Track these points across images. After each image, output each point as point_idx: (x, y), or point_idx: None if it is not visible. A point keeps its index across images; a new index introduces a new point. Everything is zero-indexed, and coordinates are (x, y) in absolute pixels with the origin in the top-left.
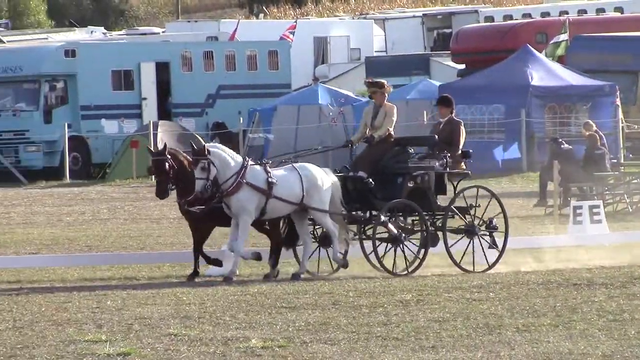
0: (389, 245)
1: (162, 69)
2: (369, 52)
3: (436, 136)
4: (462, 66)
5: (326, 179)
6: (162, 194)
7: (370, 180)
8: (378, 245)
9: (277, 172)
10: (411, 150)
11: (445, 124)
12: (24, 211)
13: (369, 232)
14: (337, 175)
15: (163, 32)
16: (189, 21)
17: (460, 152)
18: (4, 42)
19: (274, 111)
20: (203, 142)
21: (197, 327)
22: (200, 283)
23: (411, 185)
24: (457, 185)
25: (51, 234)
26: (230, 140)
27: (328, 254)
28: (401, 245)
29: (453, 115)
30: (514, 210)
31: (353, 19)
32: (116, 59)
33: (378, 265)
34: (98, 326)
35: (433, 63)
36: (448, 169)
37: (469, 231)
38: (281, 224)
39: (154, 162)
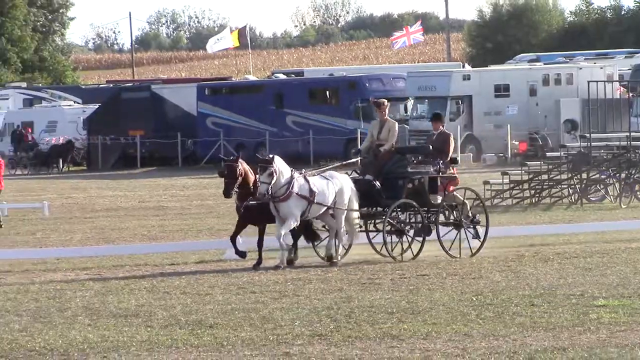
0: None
1: None
2: None
3: (430, 146)
4: None
5: (348, 186)
6: (229, 194)
7: (377, 182)
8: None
9: (316, 182)
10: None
11: (437, 136)
12: None
13: (379, 226)
14: (350, 178)
15: None
16: None
17: (449, 159)
18: None
19: None
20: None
21: None
22: None
23: (410, 187)
24: (447, 185)
25: None
26: None
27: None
28: (405, 236)
29: (444, 128)
30: None
31: None
32: None
33: (385, 252)
34: None
35: None
36: (440, 173)
37: (457, 224)
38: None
39: (227, 166)
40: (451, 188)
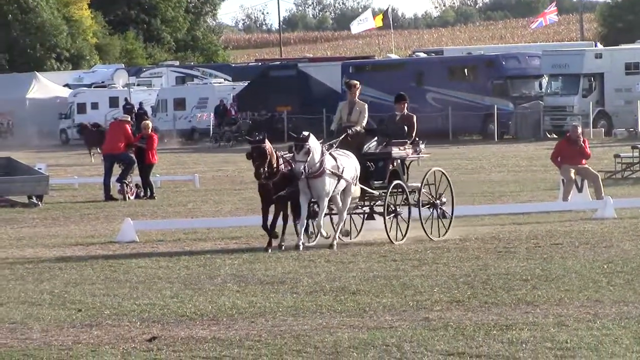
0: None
1: None
2: None
3: (405, 127)
4: None
5: (357, 166)
6: (260, 176)
7: (372, 164)
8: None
9: (341, 158)
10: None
11: (400, 117)
12: None
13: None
14: None
15: None
16: None
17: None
18: None
19: None
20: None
21: None
22: None
23: (391, 168)
24: (409, 166)
25: None
26: None
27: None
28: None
29: (407, 110)
30: None
31: None
32: None
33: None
34: None
35: None
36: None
37: (432, 204)
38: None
39: (255, 148)
40: (583, 161)
